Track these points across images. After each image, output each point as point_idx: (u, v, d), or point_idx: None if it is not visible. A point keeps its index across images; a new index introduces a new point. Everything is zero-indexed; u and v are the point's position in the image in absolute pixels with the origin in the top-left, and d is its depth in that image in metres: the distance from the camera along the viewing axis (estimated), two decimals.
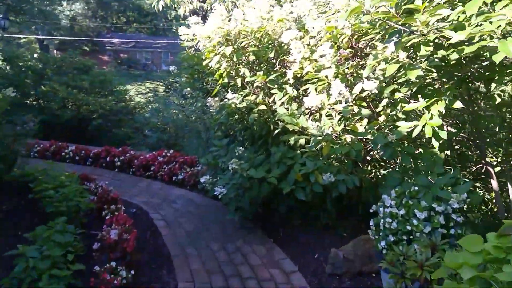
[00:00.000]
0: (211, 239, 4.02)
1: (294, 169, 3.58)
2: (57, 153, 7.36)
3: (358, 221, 3.93)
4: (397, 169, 3.09)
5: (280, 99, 3.64)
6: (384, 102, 2.93)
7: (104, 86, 11.32)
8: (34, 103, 10.44)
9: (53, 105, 9.56)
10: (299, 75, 3.50)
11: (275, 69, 3.88)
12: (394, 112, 2.90)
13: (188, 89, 4.61)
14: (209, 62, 3.75)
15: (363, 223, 3.99)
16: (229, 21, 3.61)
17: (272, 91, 3.71)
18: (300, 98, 3.70)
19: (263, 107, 3.69)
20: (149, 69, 45.96)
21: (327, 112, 3.14)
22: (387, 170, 3.88)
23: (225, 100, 3.73)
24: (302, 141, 3.48)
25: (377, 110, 3.04)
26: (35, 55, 11.56)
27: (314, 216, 3.96)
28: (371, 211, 2.91)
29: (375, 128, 2.94)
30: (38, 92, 10.06)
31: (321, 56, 3.02)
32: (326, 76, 3.06)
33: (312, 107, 3.03)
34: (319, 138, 3.09)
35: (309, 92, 3.26)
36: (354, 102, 2.89)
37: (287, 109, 3.58)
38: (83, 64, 11.95)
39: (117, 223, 3.61)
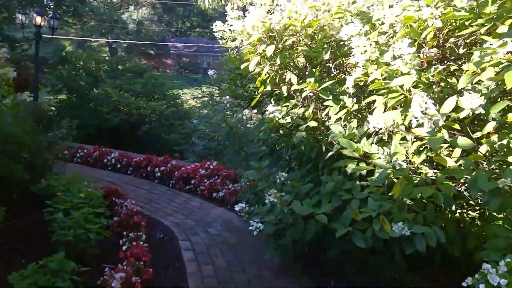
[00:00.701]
0: (245, 283, 3.26)
1: (351, 205, 2.71)
2: (100, 160, 7.05)
3: (434, 274, 2.98)
4: (505, 225, 2.12)
5: (336, 114, 2.79)
6: (490, 126, 1.99)
7: (156, 89, 11.07)
8: (90, 105, 10.40)
9: (104, 109, 9.39)
10: (362, 83, 2.64)
11: (330, 74, 3.05)
12: (505, 142, 1.95)
13: (228, 97, 3.90)
14: (248, 65, 3.00)
15: (442, 275, 3.03)
16: (272, 13, 2.84)
17: (325, 103, 2.88)
18: (363, 113, 2.83)
19: (313, 123, 2.87)
20: (212, 72, 46.66)
21: (401, 135, 2.25)
22: (479, 213, 2.87)
23: (265, 112, 2.95)
24: (363, 171, 2.62)
25: (477, 136, 2.09)
26: (92, 57, 11.57)
27: (376, 265, 3.05)
28: (464, 284, 1.97)
29: (474, 163, 2.01)
30: (91, 95, 9.98)
31: (395, 58, 2.15)
32: (401, 86, 2.18)
33: (380, 128, 2.16)
34: (389, 171, 2.21)
35: (375, 107, 2.39)
36: (443, 124, 1.98)
37: (345, 127, 2.73)
38: (138, 67, 11.83)
39: (131, 258, 2.98)
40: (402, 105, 2.26)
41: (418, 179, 2.24)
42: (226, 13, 3.33)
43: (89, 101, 10.14)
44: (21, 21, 7.22)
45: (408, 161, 2.26)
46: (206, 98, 17.92)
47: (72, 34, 52.27)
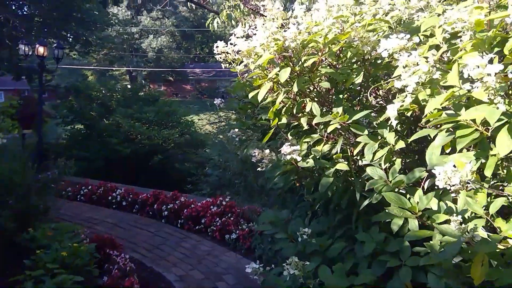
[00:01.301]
0: None
1: (400, 275, 2.00)
2: (104, 197, 6.50)
3: None
4: None
5: (373, 152, 2.12)
6: None
7: (169, 117, 10.61)
8: (100, 136, 9.98)
9: (114, 140, 8.93)
10: (409, 114, 1.97)
11: (364, 102, 2.39)
12: None
13: (236, 130, 3.27)
14: (258, 93, 2.39)
15: None
16: (287, 28, 2.22)
17: (358, 139, 2.21)
18: (412, 151, 2.15)
19: (343, 166, 2.19)
20: (228, 97, 46.76)
21: (482, 191, 1.56)
22: None
23: (281, 152, 2.30)
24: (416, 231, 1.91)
25: None
26: (102, 88, 11.26)
27: None
28: None
29: None
30: (100, 126, 9.57)
31: (470, 80, 1.48)
32: (474, 121, 1.50)
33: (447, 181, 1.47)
34: (463, 245, 1.51)
35: (433, 145, 1.71)
36: None
37: (387, 170, 2.05)
38: (150, 94, 11.45)
39: None
40: (476, 145, 1.57)
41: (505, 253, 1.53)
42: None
43: (99, 132, 9.73)
44: (24, 52, 6.91)
45: (488, 226, 1.56)
46: (223, 123, 17.50)
47: (94, 64, 53.59)
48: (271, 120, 2.63)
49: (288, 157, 2.22)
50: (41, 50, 6.79)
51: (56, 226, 3.85)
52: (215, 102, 3.71)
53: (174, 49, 53.30)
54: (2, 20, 7.94)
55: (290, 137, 2.60)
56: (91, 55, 14.08)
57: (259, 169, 2.48)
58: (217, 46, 2.58)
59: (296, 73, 2.22)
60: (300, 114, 2.46)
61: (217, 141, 8.98)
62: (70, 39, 11.06)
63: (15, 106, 7.79)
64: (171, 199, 5.91)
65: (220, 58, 2.63)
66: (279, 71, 2.17)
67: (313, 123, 2.35)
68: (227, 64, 2.67)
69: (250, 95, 2.53)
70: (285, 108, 2.54)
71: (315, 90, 2.43)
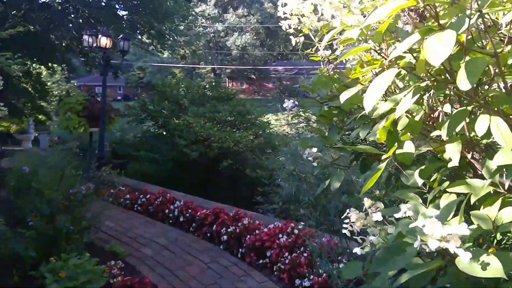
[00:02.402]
0: None
1: None
2: (161, 210, 5.68)
3: None
4: None
5: None
6: None
7: (243, 118, 9.67)
8: (169, 136, 9.39)
9: (182, 141, 8.21)
10: None
11: None
12: None
13: (314, 150, 2.06)
14: (358, 93, 1.16)
15: None
16: None
17: None
18: None
19: None
20: (307, 95, 45.25)
21: None
22: None
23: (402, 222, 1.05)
24: None
25: None
26: (181, 84, 10.70)
27: None
28: None
29: None
30: (170, 125, 8.95)
31: None
32: None
33: None
34: None
35: None
36: None
37: None
38: (224, 92, 10.63)
39: None
40: None
41: None
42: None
43: (170, 132, 9.12)
44: (88, 44, 6.37)
45: None
46: (302, 124, 16.23)
47: (182, 62, 55.72)
48: (383, 145, 1.38)
49: (434, 245, 0.94)
50: (104, 41, 6.18)
51: (77, 262, 2.99)
52: (285, 105, 2.53)
53: (257, 47, 53.19)
54: (72, 11, 7.63)
55: (417, 178, 1.31)
56: (175, 52, 13.71)
57: (357, 250, 1.24)
58: (284, 4, 1.40)
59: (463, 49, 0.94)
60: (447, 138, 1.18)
61: (292, 147, 7.76)
62: (142, 31, 10.73)
63: (82, 103, 7.39)
64: (233, 220, 4.88)
65: (289, 26, 1.44)
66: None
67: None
68: (300, 39, 1.48)
69: (344, 95, 1.30)
70: (412, 125, 1.27)
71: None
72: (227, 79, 52.18)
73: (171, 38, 11.50)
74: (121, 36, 6.59)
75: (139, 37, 12.39)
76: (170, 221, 5.52)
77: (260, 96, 49.98)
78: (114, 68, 16.72)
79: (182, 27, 16.04)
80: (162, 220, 5.58)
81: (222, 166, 8.35)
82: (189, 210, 5.42)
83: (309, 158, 2.25)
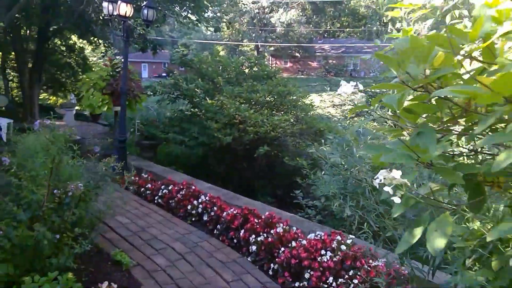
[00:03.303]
0: None
1: None
2: (183, 205, 4.93)
3: None
4: None
5: None
6: None
7: (283, 99, 8.69)
8: (200, 118, 8.62)
9: (213, 124, 7.40)
10: None
11: None
12: None
13: (396, 172, 1.12)
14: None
15: None
16: None
17: None
18: None
19: None
20: (356, 75, 43.00)
21: None
22: None
23: None
24: None
25: None
26: (217, 59, 9.85)
27: None
28: None
29: None
30: (203, 106, 8.16)
31: None
32: None
33: None
34: None
35: None
36: None
37: None
38: (264, 70, 9.66)
39: None
40: None
41: None
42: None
43: (202, 113, 8.35)
44: (108, 11, 5.58)
45: None
46: (349, 106, 14.92)
47: (226, 39, 54.89)
48: None
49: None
50: (123, 8, 5.34)
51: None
52: (342, 90, 1.60)
53: (303, 24, 51.15)
54: None
55: None
56: (210, 24, 12.84)
57: None
58: None
59: None
60: None
61: (338, 135, 6.72)
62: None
63: (106, 79, 6.73)
64: (265, 225, 4.02)
65: None
66: None
67: None
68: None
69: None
70: None
71: None
72: (270, 57, 50.80)
73: (207, 10, 10.59)
74: (145, 3, 5.75)
75: (176, 8, 11.59)
76: (193, 219, 4.77)
77: (303, 75, 48.30)
78: (153, 44, 16.17)
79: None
80: (184, 217, 4.83)
81: (258, 153, 7.48)
82: (214, 208, 4.62)
83: (382, 187, 1.33)
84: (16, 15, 14.73)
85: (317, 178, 6.81)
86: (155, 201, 5.29)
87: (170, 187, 5.24)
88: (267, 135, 7.64)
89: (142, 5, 5.61)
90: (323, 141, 8.27)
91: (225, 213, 4.42)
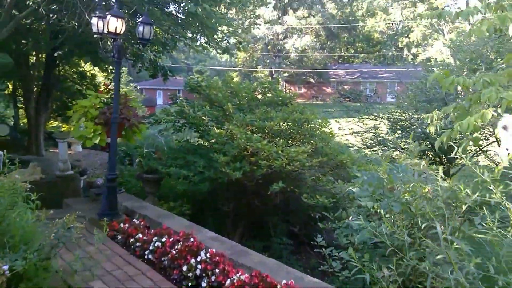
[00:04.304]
0: None
1: None
2: (178, 264, 3.94)
3: None
4: None
5: None
6: None
7: (300, 128, 7.77)
8: (205, 150, 7.74)
9: (220, 157, 6.48)
10: None
11: None
12: None
13: None
14: None
15: None
16: None
17: None
18: None
19: None
20: (372, 100, 42.06)
21: None
22: None
23: None
24: None
25: None
26: (230, 85, 9.05)
27: None
28: None
29: None
30: (210, 136, 7.28)
31: None
32: None
33: None
34: None
35: None
36: None
37: None
38: (279, 96, 8.81)
39: None
40: None
41: None
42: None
43: (209, 143, 7.47)
44: (97, 29, 4.76)
45: None
46: (370, 135, 13.84)
47: (240, 65, 54.90)
48: None
49: None
50: (113, 24, 4.50)
51: None
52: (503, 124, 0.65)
53: (317, 49, 50.85)
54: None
55: None
56: (233, 50, 12.19)
57: None
58: None
59: None
60: None
61: (367, 173, 5.71)
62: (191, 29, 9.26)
63: (99, 107, 5.92)
64: None
65: None
66: None
67: None
68: None
69: None
70: None
71: None
72: (284, 83, 50.33)
73: (218, 34, 9.91)
74: (140, 19, 4.92)
75: (187, 32, 10.94)
76: (189, 284, 3.76)
77: (318, 101, 47.53)
78: (164, 69, 15.59)
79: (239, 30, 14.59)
80: (178, 281, 3.83)
81: (272, 190, 6.49)
82: (217, 271, 3.62)
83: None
84: (23, 40, 14.37)
85: (341, 222, 5.72)
86: (145, 257, 4.31)
87: (164, 239, 4.27)
88: (283, 169, 6.67)
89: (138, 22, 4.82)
90: (347, 173, 7.22)
91: (229, 281, 3.41)
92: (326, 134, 8.32)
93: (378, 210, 4.63)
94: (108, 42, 5.12)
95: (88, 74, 20.77)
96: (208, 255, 3.85)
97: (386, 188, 5.22)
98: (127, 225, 4.77)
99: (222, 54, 13.17)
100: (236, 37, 12.90)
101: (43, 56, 16.05)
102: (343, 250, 5.65)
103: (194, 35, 11.14)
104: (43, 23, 12.28)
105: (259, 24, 45.80)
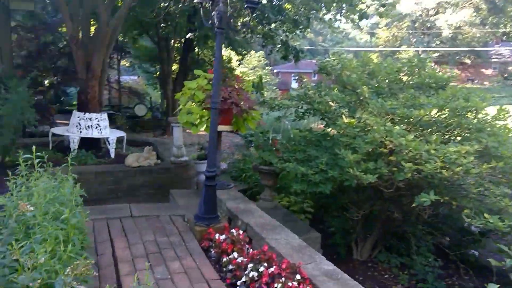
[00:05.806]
0: None
1: None
2: None
3: None
4: None
5: None
6: None
7: (461, 119, 5.78)
8: (328, 143, 6.41)
9: (348, 154, 5.08)
10: None
11: None
12: None
13: None
14: None
15: None
16: None
17: None
18: None
19: None
20: None
21: None
22: None
23: None
24: None
25: None
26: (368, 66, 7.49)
27: None
28: None
29: None
30: (336, 127, 5.90)
31: None
32: None
33: None
34: None
35: None
36: None
37: None
38: (432, 77, 6.87)
39: None
40: None
41: None
42: None
43: (337, 135, 6.08)
44: None
45: None
46: None
47: (381, 45, 50.79)
48: None
49: None
50: None
51: None
52: None
53: (476, 25, 43.60)
54: None
55: None
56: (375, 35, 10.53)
57: None
58: None
59: None
60: None
61: None
62: None
63: (206, 89, 5.09)
64: None
65: None
66: None
67: None
68: None
69: None
70: None
71: None
72: (433, 64, 44.74)
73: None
74: None
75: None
76: None
77: (474, 85, 40.92)
78: (295, 51, 14.59)
79: None
80: None
81: (418, 202, 4.78)
82: None
83: None
84: (162, 24, 14.85)
85: None
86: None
87: (261, 268, 3.14)
88: (436, 175, 4.89)
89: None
90: None
91: None
92: (499, 129, 6.06)
93: None
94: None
95: (224, 57, 21.08)
96: None
97: None
98: (223, 236, 3.80)
99: (359, 20, 11.41)
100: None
101: (182, 40, 16.62)
102: None
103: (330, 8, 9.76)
104: (179, 5, 12.35)
105: None
